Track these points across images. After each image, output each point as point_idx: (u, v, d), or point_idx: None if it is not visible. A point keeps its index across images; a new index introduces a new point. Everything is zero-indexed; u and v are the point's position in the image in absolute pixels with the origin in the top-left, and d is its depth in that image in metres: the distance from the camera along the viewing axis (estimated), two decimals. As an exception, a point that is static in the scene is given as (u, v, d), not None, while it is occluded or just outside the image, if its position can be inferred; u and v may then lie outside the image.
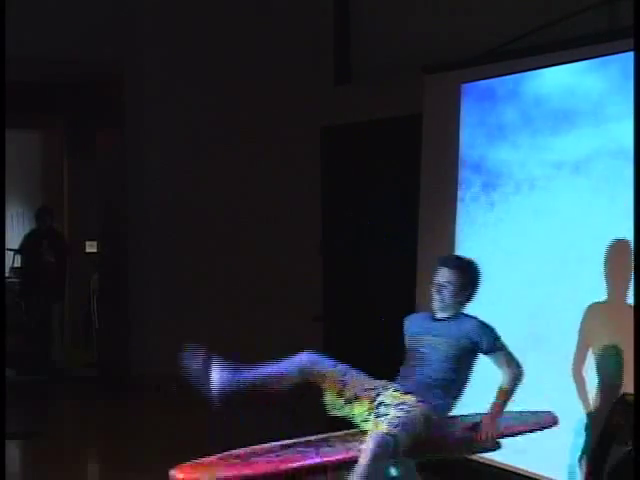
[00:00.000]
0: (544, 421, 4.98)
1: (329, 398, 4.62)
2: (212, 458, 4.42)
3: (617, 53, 5.63)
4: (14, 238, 12.46)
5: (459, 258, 5.02)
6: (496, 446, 4.84)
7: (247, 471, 4.27)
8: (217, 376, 4.51)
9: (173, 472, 4.31)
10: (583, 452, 5.39)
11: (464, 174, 6.82)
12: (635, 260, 5.18)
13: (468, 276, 4.84)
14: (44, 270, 11.27)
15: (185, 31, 9.97)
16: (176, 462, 6.22)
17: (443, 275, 4.83)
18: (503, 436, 4.81)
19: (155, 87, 10.11)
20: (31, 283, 11.41)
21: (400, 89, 8.07)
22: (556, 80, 6.15)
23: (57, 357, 11.50)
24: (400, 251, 7.73)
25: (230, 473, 4.28)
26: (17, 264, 12.18)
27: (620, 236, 5.45)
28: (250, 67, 9.83)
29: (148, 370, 9.92)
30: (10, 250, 12.05)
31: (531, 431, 5.00)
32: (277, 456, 4.40)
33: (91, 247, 11.76)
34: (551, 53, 6.10)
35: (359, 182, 8.73)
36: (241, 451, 4.47)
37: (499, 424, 4.75)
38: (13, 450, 7.69)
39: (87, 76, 10.58)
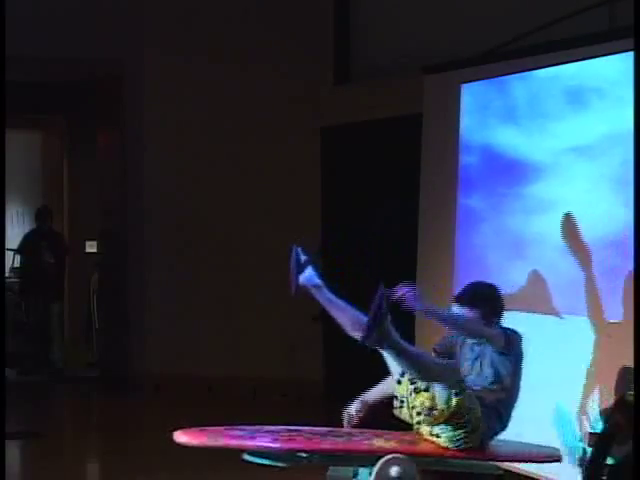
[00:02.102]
0: (548, 455, 4.94)
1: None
2: (217, 427, 4.45)
3: (617, 53, 5.63)
4: (14, 238, 12.45)
5: (471, 293, 4.75)
6: (497, 470, 4.82)
7: (250, 443, 4.30)
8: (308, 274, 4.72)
9: (177, 433, 4.34)
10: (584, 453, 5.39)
11: (465, 163, 6.77)
12: (635, 258, 5.18)
13: (487, 307, 4.66)
14: (44, 270, 11.26)
15: (185, 31, 9.97)
16: (176, 462, 6.24)
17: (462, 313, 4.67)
18: (503, 461, 4.80)
19: (155, 87, 10.11)
20: (31, 283, 11.40)
21: (400, 89, 8.08)
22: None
23: (57, 357, 11.49)
24: (400, 251, 7.73)
25: (233, 442, 4.31)
26: (17, 264, 12.17)
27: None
28: (250, 67, 9.83)
29: (148, 370, 9.93)
30: (10, 250, 12.04)
31: (533, 462, 5.01)
32: (283, 436, 4.41)
33: (91, 247, 11.74)
34: (551, 53, 6.10)
35: (359, 182, 8.74)
36: (248, 427, 4.50)
37: (503, 449, 4.74)
38: (13, 450, 7.68)
39: (87, 75, 10.56)
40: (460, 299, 4.70)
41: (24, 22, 9.25)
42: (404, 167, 7.75)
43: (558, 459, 4.85)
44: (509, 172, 6.39)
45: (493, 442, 4.92)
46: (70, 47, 9.82)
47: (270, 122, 9.81)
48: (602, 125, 5.71)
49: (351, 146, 8.83)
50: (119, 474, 7.04)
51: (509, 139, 6.38)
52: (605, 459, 4.71)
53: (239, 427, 4.53)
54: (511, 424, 4.64)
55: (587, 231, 5.77)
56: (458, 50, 7.24)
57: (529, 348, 4.64)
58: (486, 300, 4.68)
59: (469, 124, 6.76)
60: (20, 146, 12.89)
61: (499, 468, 4.80)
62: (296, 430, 4.60)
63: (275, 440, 4.36)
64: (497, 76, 6.56)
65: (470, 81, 6.77)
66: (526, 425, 5.60)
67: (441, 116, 7.08)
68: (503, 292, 4.78)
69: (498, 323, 4.69)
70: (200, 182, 9.96)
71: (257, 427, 4.57)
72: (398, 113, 8.04)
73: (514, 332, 4.66)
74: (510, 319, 4.75)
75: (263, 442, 4.33)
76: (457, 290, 6.13)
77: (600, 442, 4.80)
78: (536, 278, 6.07)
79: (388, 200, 8.29)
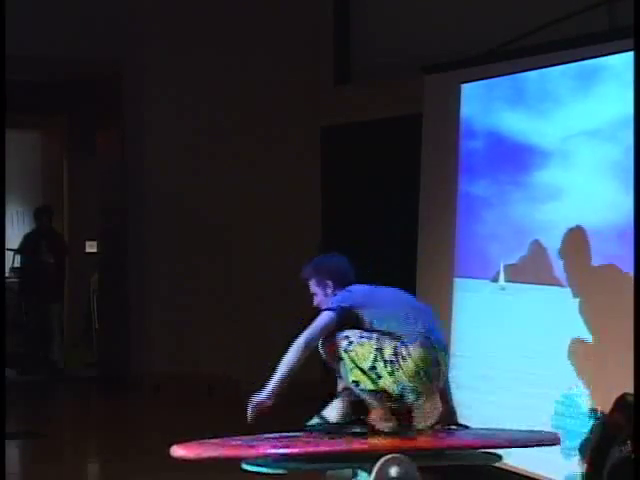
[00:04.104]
0: (545, 439, 4.92)
1: None
2: (214, 439, 4.43)
3: (617, 53, 5.61)
4: (14, 238, 12.46)
5: (314, 258, 4.94)
6: (496, 459, 4.80)
7: (249, 452, 4.28)
8: None
9: (174, 448, 4.31)
10: (583, 452, 5.38)
11: (468, 150, 6.75)
12: (635, 255, 5.17)
13: (321, 273, 4.79)
14: (44, 270, 11.27)
15: (185, 31, 9.97)
16: (176, 462, 6.23)
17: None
18: (500, 447, 4.77)
19: (155, 87, 10.11)
20: (31, 283, 11.41)
21: (400, 89, 8.08)
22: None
23: (57, 357, 11.50)
24: (400, 251, 7.73)
25: (231, 453, 4.29)
26: (17, 264, 12.17)
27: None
28: (250, 67, 9.83)
29: (148, 370, 9.93)
30: (10, 250, 12.05)
31: (529, 446, 4.96)
32: (280, 442, 4.40)
33: (91, 247, 11.77)
34: (551, 53, 6.09)
35: (359, 182, 8.74)
36: (244, 437, 4.48)
37: (499, 436, 4.74)
38: (13, 450, 7.69)
39: (87, 76, 10.57)
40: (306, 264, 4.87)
41: (24, 22, 9.25)
42: (404, 167, 7.75)
43: (557, 442, 4.82)
44: (515, 158, 6.34)
45: (490, 430, 4.91)
46: (70, 47, 9.83)
47: (270, 122, 9.81)
48: (613, 107, 5.61)
49: (351, 146, 8.82)
50: (119, 474, 7.05)
51: (515, 123, 6.34)
52: (605, 459, 4.70)
53: (236, 437, 4.50)
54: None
55: (592, 219, 5.72)
56: (458, 50, 7.24)
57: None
58: (318, 265, 4.82)
59: (474, 108, 6.71)
60: (20, 146, 12.89)
61: (499, 457, 4.75)
62: (293, 436, 4.57)
63: (273, 447, 4.33)
64: (497, 76, 6.55)
65: (470, 81, 6.77)
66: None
67: (441, 116, 7.07)
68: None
69: (335, 288, 4.75)
70: (200, 182, 9.96)
71: (254, 436, 4.54)
72: (398, 113, 8.04)
73: (344, 301, 4.64)
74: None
75: (261, 450, 4.30)
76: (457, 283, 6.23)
77: (600, 442, 4.80)
78: (538, 250, 6.07)
79: (388, 200, 8.29)
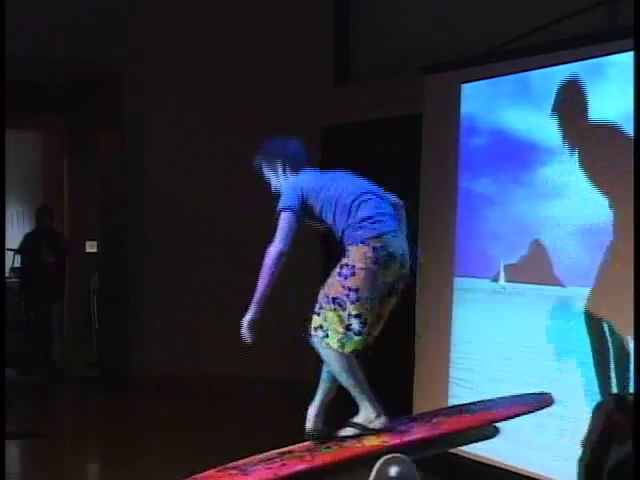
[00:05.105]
0: (541, 402, 4.88)
1: None
2: (210, 472, 4.37)
3: (617, 53, 5.61)
4: (14, 238, 12.45)
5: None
6: (495, 432, 4.75)
7: None
8: None
9: None
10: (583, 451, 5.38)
11: (470, 148, 6.75)
12: (635, 256, 5.17)
13: (269, 155, 5.03)
14: (44, 270, 11.26)
15: (185, 31, 9.98)
16: (176, 462, 6.24)
17: None
18: (499, 420, 4.70)
19: (155, 87, 10.11)
20: (31, 283, 11.41)
21: (400, 89, 8.07)
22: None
23: (57, 357, 11.50)
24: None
25: None
26: (17, 264, 12.17)
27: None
28: (250, 67, 9.83)
29: (148, 370, 9.93)
30: (10, 250, 12.05)
31: (528, 412, 4.90)
32: (275, 462, 4.32)
33: (91, 247, 11.76)
34: (551, 53, 6.09)
35: (359, 182, 8.73)
36: (239, 462, 4.41)
37: (494, 408, 4.69)
38: (13, 450, 7.69)
39: (87, 76, 10.58)
40: None
41: (24, 22, 9.25)
42: (404, 167, 7.74)
43: (551, 403, 4.79)
44: (517, 156, 6.30)
45: (483, 403, 4.88)
46: (70, 47, 9.83)
47: (270, 122, 9.79)
48: (617, 104, 5.59)
49: (351, 146, 8.82)
50: (119, 474, 7.05)
51: (518, 121, 6.31)
52: (605, 459, 4.70)
53: (230, 465, 4.42)
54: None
55: (595, 217, 5.71)
56: (458, 50, 7.24)
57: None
58: (267, 150, 5.02)
59: (477, 105, 6.69)
60: (20, 146, 12.89)
61: (496, 429, 4.70)
62: (287, 452, 4.49)
63: (268, 469, 4.25)
64: (497, 76, 6.55)
65: (470, 81, 6.77)
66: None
67: (441, 116, 7.07)
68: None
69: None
70: (200, 182, 9.96)
71: (248, 459, 4.45)
72: (398, 113, 8.03)
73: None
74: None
75: (258, 476, 4.21)
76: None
77: (600, 442, 4.80)
78: (538, 250, 6.06)
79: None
